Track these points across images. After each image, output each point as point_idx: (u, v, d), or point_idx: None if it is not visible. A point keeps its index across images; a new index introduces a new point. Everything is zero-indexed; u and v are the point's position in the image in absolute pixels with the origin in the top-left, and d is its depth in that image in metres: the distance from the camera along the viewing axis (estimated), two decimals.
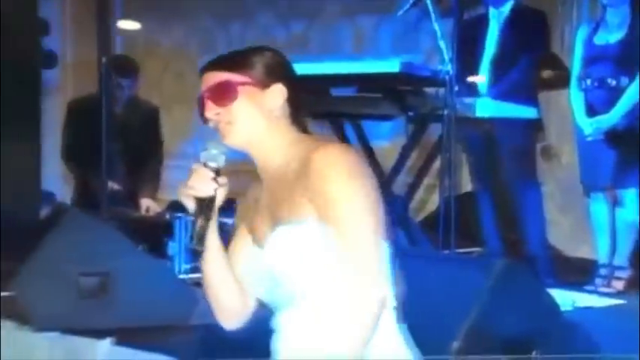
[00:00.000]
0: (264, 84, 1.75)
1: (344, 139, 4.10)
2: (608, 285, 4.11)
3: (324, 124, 4.36)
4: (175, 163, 5.51)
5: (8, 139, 4.00)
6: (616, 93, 4.06)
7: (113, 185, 4.52)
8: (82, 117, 4.63)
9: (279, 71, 1.78)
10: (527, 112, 4.19)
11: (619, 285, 4.10)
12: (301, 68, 3.94)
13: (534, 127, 4.34)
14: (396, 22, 5.17)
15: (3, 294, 3.22)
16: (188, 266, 4.33)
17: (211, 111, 1.75)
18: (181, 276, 4.14)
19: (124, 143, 4.67)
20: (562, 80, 4.42)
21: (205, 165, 1.74)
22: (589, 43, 4.20)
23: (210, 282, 1.84)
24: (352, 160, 1.67)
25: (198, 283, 3.97)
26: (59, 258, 3.16)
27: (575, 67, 4.24)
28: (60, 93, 5.93)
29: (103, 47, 4.21)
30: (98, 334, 2.94)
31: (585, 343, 2.60)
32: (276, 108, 1.76)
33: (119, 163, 4.65)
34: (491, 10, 4.37)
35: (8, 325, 3.06)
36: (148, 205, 4.72)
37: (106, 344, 2.89)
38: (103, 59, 4.19)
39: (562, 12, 4.98)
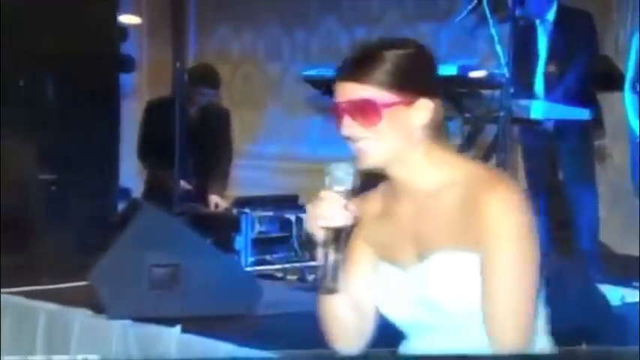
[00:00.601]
0: (410, 100, 1.49)
1: None
2: None
3: None
4: (242, 162, 5.54)
5: (88, 139, 4.07)
6: None
7: (184, 182, 4.56)
8: (158, 117, 4.67)
9: (426, 80, 1.51)
10: (580, 113, 4.09)
11: None
12: None
13: (590, 127, 4.24)
14: (454, 28, 5.09)
15: (81, 283, 3.27)
16: (253, 259, 4.35)
17: (350, 129, 1.50)
18: (247, 268, 4.16)
19: (196, 143, 4.70)
20: (616, 82, 4.32)
21: (333, 190, 1.49)
22: None
23: (333, 315, 1.60)
24: (523, 204, 1.48)
25: (262, 275, 4.02)
26: (133, 250, 3.19)
27: (630, 70, 4.16)
28: (137, 95, 6.01)
29: (177, 52, 4.24)
30: (169, 322, 2.95)
31: (633, 337, 2.52)
32: (421, 126, 1.50)
33: (191, 161, 4.68)
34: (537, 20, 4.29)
35: (84, 313, 3.10)
36: (216, 202, 4.74)
37: (176, 332, 2.90)
38: (177, 64, 4.23)
39: (617, 17, 4.85)
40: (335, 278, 1.49)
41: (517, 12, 4.05)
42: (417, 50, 1.51)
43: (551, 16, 4.23)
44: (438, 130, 1.53)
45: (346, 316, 1.60)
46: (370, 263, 1.59)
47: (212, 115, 4.91)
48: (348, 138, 1.52)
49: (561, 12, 4.22)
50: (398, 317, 1.57)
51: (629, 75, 4.16)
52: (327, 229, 1.49)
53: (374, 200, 1.60)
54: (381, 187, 1.61)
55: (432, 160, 1.52)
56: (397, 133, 1.50)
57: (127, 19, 4.84)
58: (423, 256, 1.52)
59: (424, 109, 1.50)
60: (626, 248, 4.82)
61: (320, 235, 1.50)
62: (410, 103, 1.49)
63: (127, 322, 3.00)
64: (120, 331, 2.97)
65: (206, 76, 4.82)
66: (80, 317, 3.08)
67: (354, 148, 1.52)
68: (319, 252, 1.51)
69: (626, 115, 4.17)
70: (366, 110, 1.48)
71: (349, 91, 1.49)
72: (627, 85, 4.17)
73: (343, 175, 1.50)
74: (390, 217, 1.56)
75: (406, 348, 1.59)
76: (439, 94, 1.52)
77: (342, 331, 1.61)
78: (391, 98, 1.48)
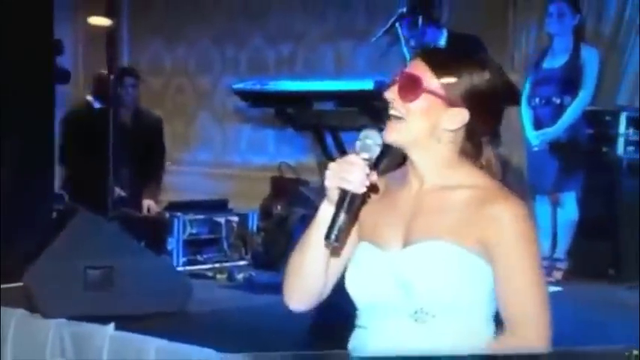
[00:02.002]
0: (452, 102, 1.49)
1: (324, 147, 4.06)
2: (550, 275, 4.12)
3: (308, 134, 4.31)
4: (174, 168, 5.45)
5: (25, 146, 3.92)
6: (560, 110, 4.14)
7: (118, 187, 4.45)
8: (92, 125, 4.56)
9: (477, 97, 1.49)
10: None
11: (559, 275, 4.15)
12: (288, 85, 3.92)
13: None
14: (371, 47, 5.14)
15: (16, 284, 3.14)
16: (185, 259, 4.28)
17: (391, 95, 1.51)
18: (178, 268, 4.09)
19: (130, 150, 4.59)
20: (512, 98, 4.42)
21: (360, 156, 1.47)
22: (538, 67, 4.27)
23: (306, 268, 1.54)
24: (529, 220, 1.49)
25: (193, 275, 3.95)
26: (69, 253, 3.10)
27: (526, 87, 4.29)
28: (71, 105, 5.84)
29: (111, 64, 4.14)
30: (103, 320, 2.86)
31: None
32: (449, 130, 1.50)
33: (125, 168, 4.58)
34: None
35: (21, 313, 2.98)
36: (149, 206, 4.64)
37: (109, 330, 2.81)
38: (111, 76, 4.12)
39: (512, 39, 4.98)
40: (338, 237, 1.46)
41: (413, 41, 4.13)
42: (490, 79, 1.52)
43: (442, 42, 4.32)
44: (468, 142, 1.53)
45: (316, 273, 1.55)
46: (351, 240, 1.55)
47: (145, 123, 4.84)
48: (389, 103, 1.53)
49: (451, 38, 4.32)
50: (363, 296, 1.52)
51: (525, 92, 4.28)
52: (344, 190, 1.46)
53: (379, 182, 1.56)
54: (392, 173, 1.60)
55: (451, 163, 1.52)
56: (425, 122, 1.50)
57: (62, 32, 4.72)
58: (409, 242, 1.49)
59: (458, 116, 1.50)
60: None
61: (335, 194, 1.48)
62: (449, 104, 1.49)
63: (62, 320, 2.90)
64: (55, 329, 2.86)
65: (126, 69, 4.90)
66: (16, 316, 2.96)
67: (387, 122, 1.52)
68: (332, 208, 1.46)
69: (522, 127, 4.29)
70: (411, 83, 1.50)
71: (414, 67, 1.52)
72: (523, 101, 4.29)
73: (372, 144, 1.48)
74: (388, 201, 1.54)
75: (359, 335, 1.53)
76: (483, 115, 1.51)
77: (304, 285, 1.56)
78: (436, 90, 1.49)
